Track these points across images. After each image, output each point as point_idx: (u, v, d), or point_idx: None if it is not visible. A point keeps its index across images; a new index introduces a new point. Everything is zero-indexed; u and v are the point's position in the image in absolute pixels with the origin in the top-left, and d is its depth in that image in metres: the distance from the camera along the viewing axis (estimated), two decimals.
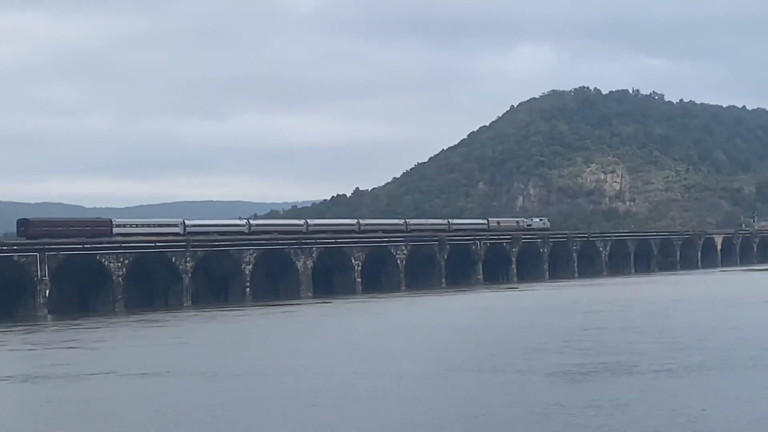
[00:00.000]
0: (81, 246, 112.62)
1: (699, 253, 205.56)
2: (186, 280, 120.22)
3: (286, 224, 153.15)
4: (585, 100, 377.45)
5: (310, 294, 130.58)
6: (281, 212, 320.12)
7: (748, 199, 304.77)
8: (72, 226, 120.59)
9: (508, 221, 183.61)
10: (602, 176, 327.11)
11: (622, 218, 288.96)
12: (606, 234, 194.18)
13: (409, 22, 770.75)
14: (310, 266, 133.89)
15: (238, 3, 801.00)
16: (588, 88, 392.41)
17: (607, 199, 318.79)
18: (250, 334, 76.78)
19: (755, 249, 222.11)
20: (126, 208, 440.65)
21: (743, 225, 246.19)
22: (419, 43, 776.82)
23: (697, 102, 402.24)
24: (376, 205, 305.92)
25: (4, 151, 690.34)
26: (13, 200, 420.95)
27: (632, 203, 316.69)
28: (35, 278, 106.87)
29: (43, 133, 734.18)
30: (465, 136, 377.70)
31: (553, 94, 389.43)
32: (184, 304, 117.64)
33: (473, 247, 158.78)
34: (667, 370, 42.60)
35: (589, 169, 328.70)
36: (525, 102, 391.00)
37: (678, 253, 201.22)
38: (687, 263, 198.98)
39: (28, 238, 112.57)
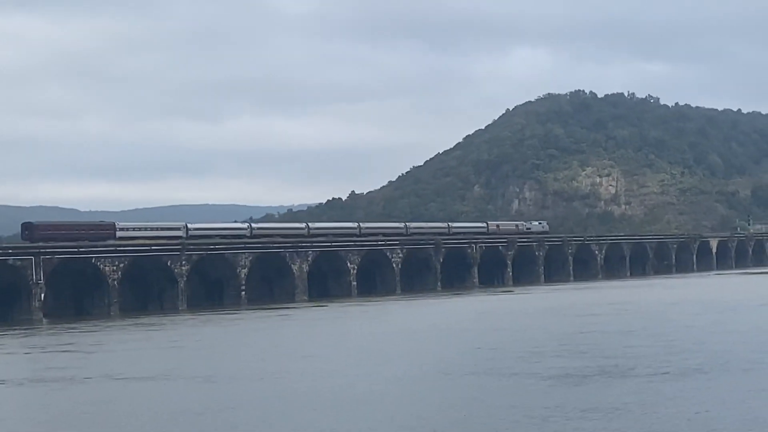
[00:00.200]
0: (76, 249, 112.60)
1: (694, 257, 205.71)
2: (181, 284, 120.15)
3: (287, 228, 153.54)
4: (580, 103, 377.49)
5: (305, 297, 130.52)
6: (277, 215, 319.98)
7: (743, 203, 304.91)
8: (75, 230, 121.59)
9: (507, 225, 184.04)
10: (598, 180, 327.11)
11: (617, 221, 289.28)
12: (601, 237, 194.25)
13: (404, 24, 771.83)
14: (305, 270, 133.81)
15: (234, 6, 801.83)
16: (583, 91, 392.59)
17: (602, 202, 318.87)
18: (247, 337, 76.69)
19: (750, 252, 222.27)
20: (122, 211, 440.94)
21: (738, 228, 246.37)
22: (415, 46, 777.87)
23: (693, 105, 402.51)
24: (372, 209, 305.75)
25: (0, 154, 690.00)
26: (8, 204, 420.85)
27: (628, 206, 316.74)
28: (31, 282, 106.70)
29: (38, 136, 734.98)
30: (461, 140, 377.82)
31: (549, 97, 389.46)
32: (180, 308, 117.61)
33: (469, 251, 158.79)
34: (664, 373, 42.57)
35: (584, 172, 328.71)
36: (521, 105, 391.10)
37: (673, 257, 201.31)
38: (682, 267, 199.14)
39: (32, 242, 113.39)
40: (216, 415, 37.20)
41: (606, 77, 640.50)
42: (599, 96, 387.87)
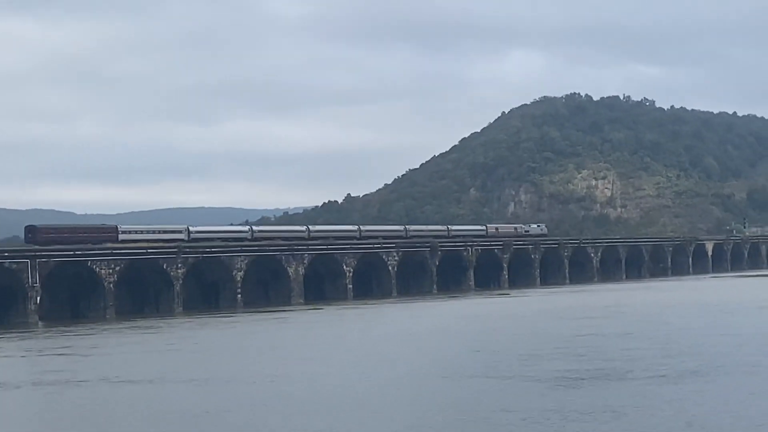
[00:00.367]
0: (72, 252, 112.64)
1: (690, 260, 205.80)
2: (177, 287, 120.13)
3: (288, 230, 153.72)
4: (576, 106, 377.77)
5: (301, 300, 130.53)
6: (273, 218, 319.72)
7: (739, 206, 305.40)
8: (79, 233, 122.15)
9: (506, 227, 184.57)
10: (593, 182, 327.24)
11: (613, 224, 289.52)
12: (597, 240, 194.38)
13: (400, 27, 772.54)
14: (301, 273, 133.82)
15: (228, 9, 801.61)
16: (579, 94, 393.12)
17: (598, 205, 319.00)
18: (243, 340, 76.60)
19: (746, 255, 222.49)
20: (117, 214, 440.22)
21: (734, 231, 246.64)
22: (410, 49, 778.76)
23: (688, 108, 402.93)
24: (368, 212, 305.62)
25: None
26: (5, 207, 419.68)
27: (623, 209, 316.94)
28: (26, 285, 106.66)
29: (33, 139, 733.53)
30: (456, 143, 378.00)
31: (545, 100, 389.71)
32: (176, 311, 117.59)
33: (465, 254, 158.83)
34: (661, 375, 42.56)
35: (580, 175, 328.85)
36: (516, 108, 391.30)
37: (669, 260, 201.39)
38: (678, 269, 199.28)
39: (35, 245, 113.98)
40: (213, 418, 37.15)
41: (601, 80, 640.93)
42: (595, 99, 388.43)
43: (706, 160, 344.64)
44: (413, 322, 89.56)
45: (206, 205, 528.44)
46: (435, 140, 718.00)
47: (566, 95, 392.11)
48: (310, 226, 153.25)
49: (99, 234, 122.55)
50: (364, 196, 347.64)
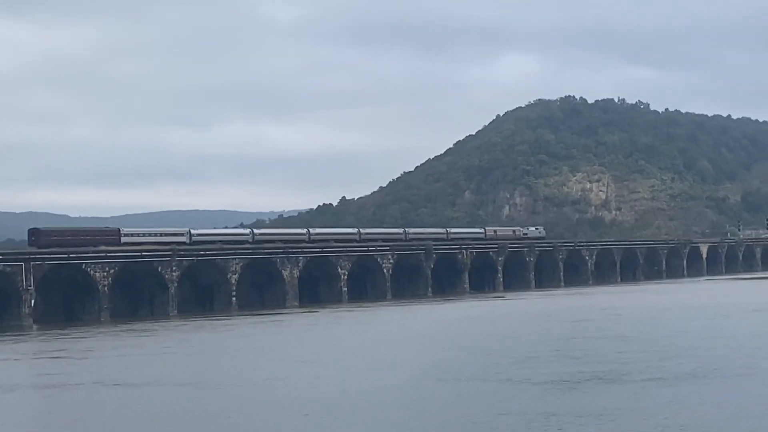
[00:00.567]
0: (66, 255, 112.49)
1: (685, 262, 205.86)
2: (172, 290, 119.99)
3: (289, 233, 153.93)
4: (571, 109, 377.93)
5: (296, 303, 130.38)
6: (268, 221, 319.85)
7: (733, 208, 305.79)
8: (81, 236, 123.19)
9: (504, 230, 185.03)
10: (588, 185, 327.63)
11: (608, 227, 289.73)
12: (592, 243, 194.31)
13: (394, 30, 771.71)
14: (296, 275, 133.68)
15: (223, 12, 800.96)
16: (574, 97, 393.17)
17: (593, 208, 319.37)
18: (240, 343, 76.49)
19: (741, 258, 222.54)
20: (112, 217, 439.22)
21: (729, 234, 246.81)
22: (405, 52, 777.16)
23: (683, 111, 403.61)
24: (363, 214, 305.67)
25: None
26: None
27: (618, 212, 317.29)
28: (21, 288, 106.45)
29: (28, 141, 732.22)
30: (451, 145, 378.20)
31: (539, 103, 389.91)
32: (170, 314, 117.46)
33: (459, 257, 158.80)
34: (658, 378, 42.54)
35: (575, 178, 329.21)
36: (511, 111, 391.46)
37: (664, 262, 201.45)
38: (673, 272, 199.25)
39: (38, 248, 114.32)
40: (210, 421, 37.08)
41: (596, 83, 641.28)
42: (589, 102, 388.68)
43: (701, 162, 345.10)
44: (409, 325, 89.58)
45: (201, 208, 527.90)
46: (430, 143, 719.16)
47: (561, 98, 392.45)
48: (310, 229, 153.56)
49: (102, 237, 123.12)
50: (359, 198, 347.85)
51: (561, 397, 38.90)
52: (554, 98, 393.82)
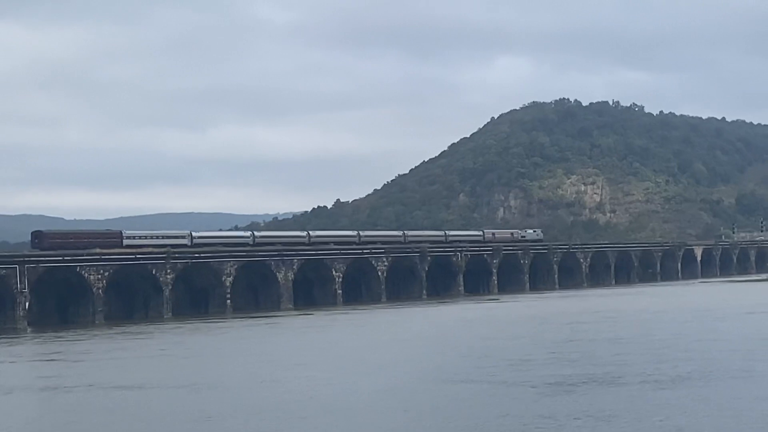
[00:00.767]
0: (61, 258, 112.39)
1: (679, 265, 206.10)
2: (166, 292, 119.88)
3: (289, 236, 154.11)
4: (565, 111, 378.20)
5: (290, 306, 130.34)
6: (262, 224, 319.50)
7: (727, 211, 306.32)
8: (84, 238, 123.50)
9: (502, 233, 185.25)
10: (582, 188, 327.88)
11: (602, 229, 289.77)
12: (586, 245, 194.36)
13: (388, 33, 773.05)
14: (291, 278, 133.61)
15: (216, 15, 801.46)
16: (568, 99, 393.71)
17: (587, 210, 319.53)
18: (236, 345, 76.41)
19: (735, 260, 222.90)
20: (106, 219, 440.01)
21: (723, 236, 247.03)
22: (399, 55, 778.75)
23: (677, 114, 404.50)
24: (357, 217, 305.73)
25: None
26: None
27: (612, 215, 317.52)
28: (15, 290, 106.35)
29: (22, 144, 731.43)
30: (446, 148, 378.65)
31: (534, 105, 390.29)
32: (165, 316, 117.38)
33: (454, 259, 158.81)
34: (654, 381, 42.52)
35: (569, 180, 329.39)
36: (506, 114, 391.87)
37: (658, 265, 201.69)
38: (667, 274, 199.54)
39: (41, 250, 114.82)
40: (206, 423, 37.02)
41: (590, 86, 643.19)
42: (584, 104, 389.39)
43: (695, 165, 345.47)
44: (404, 327, 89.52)
45: (195, 211, 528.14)
46: (424, 146, 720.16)
47: (555, 100, 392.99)
48: (310, 232, 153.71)
49: (104, 239, 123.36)
50: (353, 201, 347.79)
51: (557, 399, 38.88)
52: (549, 101, 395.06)
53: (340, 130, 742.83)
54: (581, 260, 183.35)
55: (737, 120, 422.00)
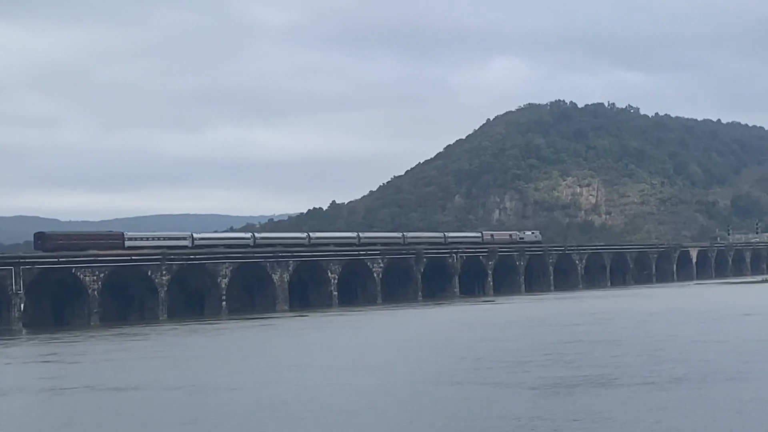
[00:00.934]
0: (56, 260, 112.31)
1: (674, 266, 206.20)
2: (162, 294, 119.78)
3: (289, 237, 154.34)
4: (561, 113, 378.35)
5: (286, 307, 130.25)
6: (258, 225, 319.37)
7: (723, 213, 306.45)
8: (86, 239, 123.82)
9: (501, 234, 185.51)
10: (578, 189, 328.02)
11: (597, 231, 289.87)
12: (582, 247, 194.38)
13: (384, 35, 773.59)
14: (286, 279, 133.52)
15: (214, 16, 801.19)
16: (564, 101, 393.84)
17: (582, 212, 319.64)
18: (232, 347, 76.40)
19: (730, 262, 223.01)
20: (101, 221, 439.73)
21: (718, 238, 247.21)
22: (395, 57, 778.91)
23: (672, 115, 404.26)
24: (353, 218, 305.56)
25: None
26: None
27: (608, 216, 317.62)
28: (10, 292, 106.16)
29: (17, 145, 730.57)
30: (441, 149, 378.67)
31: (529, 107, 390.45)
32: (160, 318, 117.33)
33: (450, 260, 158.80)
34: (650, 383, 42.48)
35: (565, 182, 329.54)
36: (501, 115, 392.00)
37: (653, 266, 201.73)
38: (662, 276, 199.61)
39: (44, 251, 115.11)
40: (203, 425, 36.96)
41: (586, 87, 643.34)
42: (579, 106, 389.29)
43: (691, 167, 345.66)
44: (400, 329, 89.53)
45: (191, 212, 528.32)
46: (420, 147, 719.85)
47: (551, 102, 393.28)
48: (310, 233, 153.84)
49: (106, 241, 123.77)
50: (349, 202, 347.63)
51: (553, 401, 38.85)
52: (544, 102, 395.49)
53: (336, 131, 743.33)
54: (577, 262, 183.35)
55: (732, 122, 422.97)
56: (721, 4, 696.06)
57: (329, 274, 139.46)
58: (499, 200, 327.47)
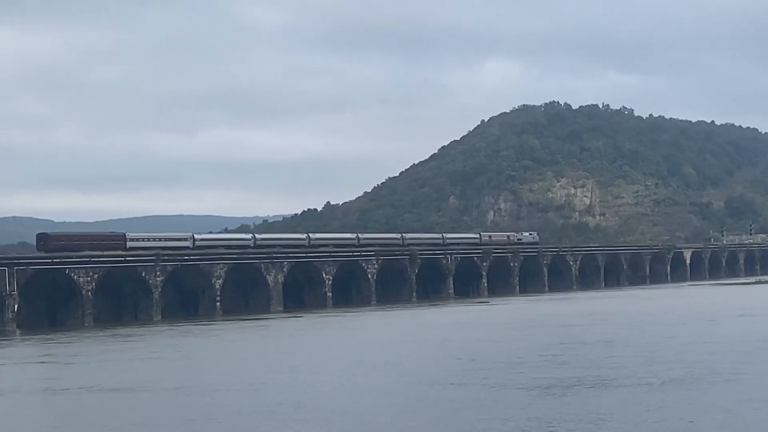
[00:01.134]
0: (50, 260, 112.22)
1: (668, 268, 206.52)
2: (156, 295, 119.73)
3: (289, 238, 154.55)
4: (555, 114, 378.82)
5: (280, 308, 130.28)
6: (252, 226, 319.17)
7: (717, 214, 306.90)
8: (88, 240, 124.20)
9: (499, 236, 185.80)
10: (572, 191, 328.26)
11: (592, 232, 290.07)
12: (576, 248, 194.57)
13: (378, 36, 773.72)
14: (280, 280, 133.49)
15: (207, 18, 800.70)
16: (558, 102, 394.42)
17: (577, 213, 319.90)
18: (227, 348, 76.31)
19: (724, 263, 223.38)
20: (96, 222, 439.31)
21: (712, 240, 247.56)
22: (389, 58, 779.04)
23: (667, 117, 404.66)
24: (347, 219, 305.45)
25: None
26: None
27: (602, 218, 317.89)
28: (4, 293, 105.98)
29: (11, 146, 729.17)
30: (436, 151, 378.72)
31: (524, 108, 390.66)
32: (154, 319, 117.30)
33: (444, 262, 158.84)
34: (646, 384, 42.45)
35: (559, 183, 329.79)
36: (496, 116, 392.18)
37: (648, 268, 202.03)
38: (656, 277, 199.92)
39: (46, 252, 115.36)
40: (199, 426, 36.90)
41: (580, 89, 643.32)
42: (574, 107, 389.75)
43: (685, 168, 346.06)
44: (395, 330, 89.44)
45: (185, 213, 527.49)
46: (414, 148, 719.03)
47: (545, 103, 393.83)
48: (310, 234, 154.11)
49: (108, 241, 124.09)
50: (343, 204, 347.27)
51: (548, 402, 38.81)
52: (539, 104, 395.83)
53: (330, 132, 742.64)
54: (571, 263, 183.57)
55: (726, 123, 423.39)
56: (715, 6, 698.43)
57: (324, 275, 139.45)
58: (493, 201, 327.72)
